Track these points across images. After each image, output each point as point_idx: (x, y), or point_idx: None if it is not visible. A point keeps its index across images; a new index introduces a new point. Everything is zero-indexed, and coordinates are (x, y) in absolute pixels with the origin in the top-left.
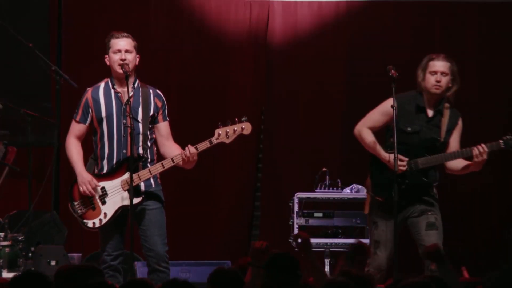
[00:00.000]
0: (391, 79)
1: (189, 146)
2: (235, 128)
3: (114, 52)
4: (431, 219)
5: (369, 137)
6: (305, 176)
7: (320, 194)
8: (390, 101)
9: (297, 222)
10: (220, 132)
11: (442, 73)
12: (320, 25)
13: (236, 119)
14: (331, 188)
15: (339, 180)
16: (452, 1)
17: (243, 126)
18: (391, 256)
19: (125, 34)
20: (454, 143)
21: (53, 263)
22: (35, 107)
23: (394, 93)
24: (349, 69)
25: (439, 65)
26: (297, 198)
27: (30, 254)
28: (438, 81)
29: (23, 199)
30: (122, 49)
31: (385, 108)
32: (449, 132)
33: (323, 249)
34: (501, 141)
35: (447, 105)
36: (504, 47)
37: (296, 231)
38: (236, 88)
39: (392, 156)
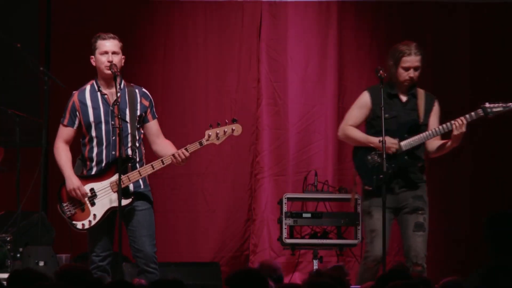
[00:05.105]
0: (380, 79)
1: (181, 150)
2: (226, 130)
3: (101, 54)
4: (420, 219)
5: (356, 132)
6: (294, 177)
7: (309, 195)
8: (364, 95)
9: (286, 222)
10: (210, 133)
11: (415, 68)
12: (311, 26)
13: (226, 121)
14: (320, 189)
15: (327, 180)
16: (443, 2)
17: (234, 128)
18: (386, 246)
19: (112, 35)
20: (434, 125)
21: (41, 263)
22: (23, 108)
23: (381, 93)
24: (340, 69)
25: (412, 60)
26: (286, 198)
27: (18, 255)
28: (411, 77)
29: (11, 200)
30: (109, 51)
31: (362, 102)
32: (427, 114)
33: (311, 250)
34: (479, 109)
35: (420, 90)
36: (496, 48)
37: (284, 231)
38: (228, 89)
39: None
